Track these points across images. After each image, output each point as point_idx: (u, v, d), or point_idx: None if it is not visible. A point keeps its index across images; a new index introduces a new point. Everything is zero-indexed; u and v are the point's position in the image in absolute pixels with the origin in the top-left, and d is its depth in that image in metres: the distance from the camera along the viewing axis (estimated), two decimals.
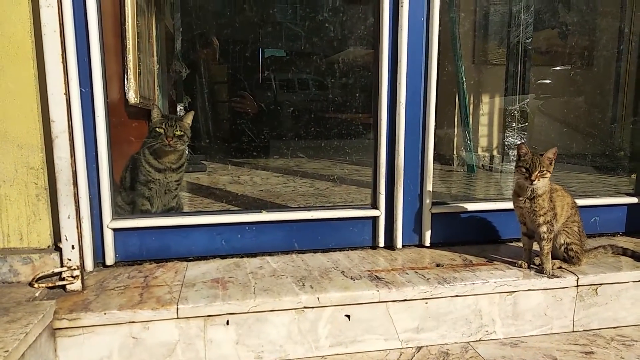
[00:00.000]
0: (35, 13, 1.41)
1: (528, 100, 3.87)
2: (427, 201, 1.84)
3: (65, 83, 1.43)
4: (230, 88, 3.81)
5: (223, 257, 1.74)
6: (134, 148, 1.97)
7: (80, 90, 1.52)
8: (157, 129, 1.85)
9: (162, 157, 1.88)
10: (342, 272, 1.61)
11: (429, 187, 1.83)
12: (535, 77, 3.92)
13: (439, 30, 1.77)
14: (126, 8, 2.11)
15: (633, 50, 3.18)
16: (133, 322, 1.33)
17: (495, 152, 4.08)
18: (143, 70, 2.38)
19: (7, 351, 1.07)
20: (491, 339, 1.57)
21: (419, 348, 1.51)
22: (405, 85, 1.77)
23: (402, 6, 1.72)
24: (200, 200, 2.53)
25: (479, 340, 1.56)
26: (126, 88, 2.10)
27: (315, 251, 1.82)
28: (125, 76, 2.10)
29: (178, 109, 3.11)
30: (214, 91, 3.67)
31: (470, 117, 3.89)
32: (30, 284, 1.44)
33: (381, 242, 1.85)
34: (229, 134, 3.63)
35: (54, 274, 1.46)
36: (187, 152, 1.98)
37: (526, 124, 3.87)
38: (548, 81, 4.08)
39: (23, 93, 1.44)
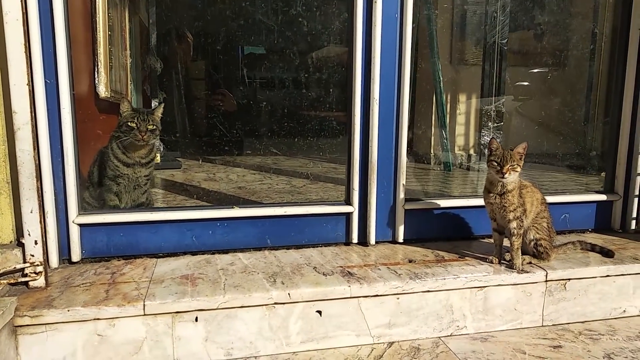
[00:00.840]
0: None
1: (504, 100, 3.92)
2: (401, 197, 1.84)
3: (28, 74, 1.38)
4: (208, 84, 3.76)
5: (194, 253, 1.72)
6: (104, 143, 1.93)
7: (45, 82, 1.49)
8: (130, 124, 1.81)
9: (132, 152, 1.85)
10: (315, 268, 1.60)
11: (403, 183, 1.83)
12: (511, 78, 3.97)
13: (416, 28, 1.78)
14: (97, 0, 2.06)
15: (605, 51, 3.25)
16: (98, 319, 1.30)
17: (472, 151, 4.12)
18: (115, 64, 2.32)
19: None
20: (462, 334, 1.58)
21: (391, 343, 1.51)
22: (379, 82, 1.77)
23: (375, 2, 1.72)
24: (174, 197, 2.48)
25: (450, 335, 1.57)
26: (96, 82, 2.05)
27: (288, 247, 1.80)
28: (96, 69, 2.05)
29: (152, 105, 3.05)
30: (191, 87, 3.62)
31: (447, 116, 3.91)
32: None
33: (355, 238, 1.84)
34: (206, 131, 3.58)
35: (15, 270, 1.41)
36: (157, 146, 1.94)
37: (502, 123, 3.91)
38: (526, 83, 4.13)
39: None
